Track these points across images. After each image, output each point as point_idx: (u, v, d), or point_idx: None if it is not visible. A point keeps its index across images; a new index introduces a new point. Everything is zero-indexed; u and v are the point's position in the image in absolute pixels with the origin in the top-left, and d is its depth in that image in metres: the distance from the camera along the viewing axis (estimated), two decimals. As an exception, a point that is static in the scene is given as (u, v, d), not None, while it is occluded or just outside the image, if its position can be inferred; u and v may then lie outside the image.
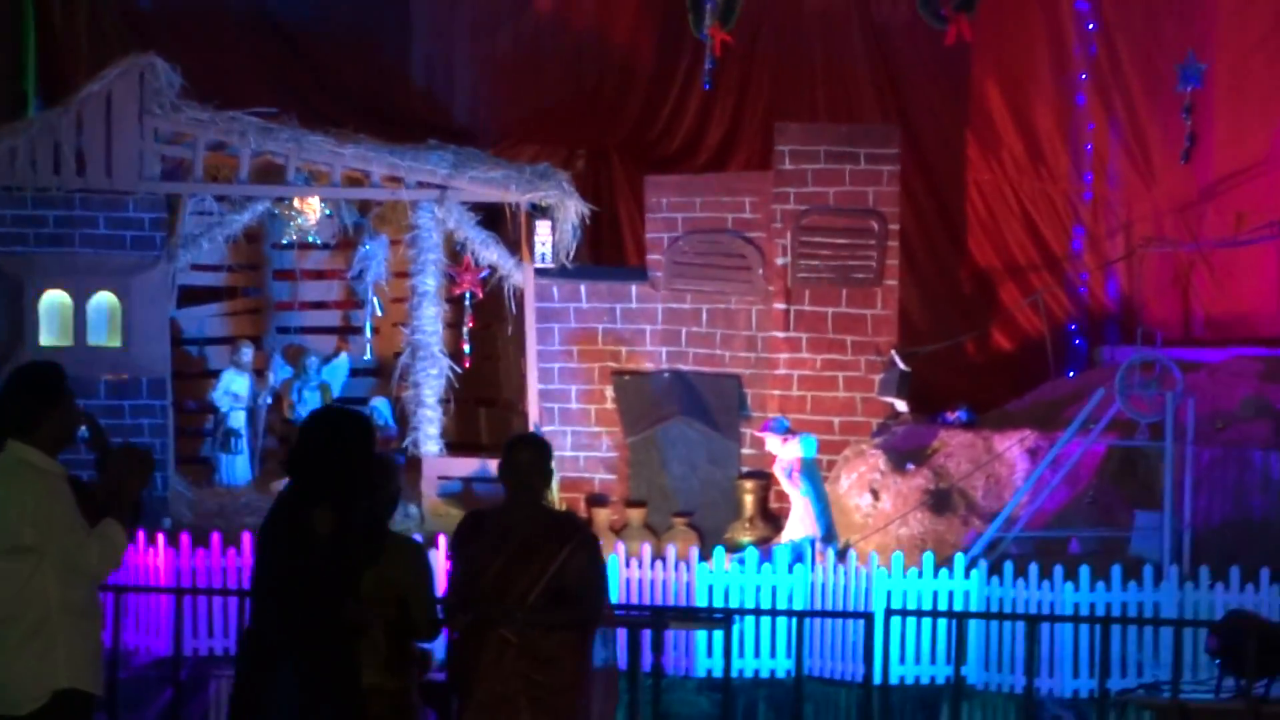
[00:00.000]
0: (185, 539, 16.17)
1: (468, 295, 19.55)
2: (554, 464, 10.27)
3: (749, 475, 18.13)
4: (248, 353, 19.59)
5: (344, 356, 20.21)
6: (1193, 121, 19.27)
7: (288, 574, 8.34)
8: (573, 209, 19.11)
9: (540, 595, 8.79)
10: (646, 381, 19.24)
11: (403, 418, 19.73)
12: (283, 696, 8.31)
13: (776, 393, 18.61)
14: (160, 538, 16.24)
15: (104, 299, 18.15)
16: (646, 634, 12.53)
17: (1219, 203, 20.58)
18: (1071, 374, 20.01)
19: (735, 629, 14.81)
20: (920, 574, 15.60)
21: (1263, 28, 20.41)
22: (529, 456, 8.96)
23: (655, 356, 19.14)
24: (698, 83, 20.23)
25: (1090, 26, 20.98)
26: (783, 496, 17.59)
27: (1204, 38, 20.28)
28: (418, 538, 12.32)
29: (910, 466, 17.72)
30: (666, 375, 19.10)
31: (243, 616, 14.11)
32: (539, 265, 19.33)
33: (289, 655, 8.39)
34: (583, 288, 19.41)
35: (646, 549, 16.22)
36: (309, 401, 19.72)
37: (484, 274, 19.55)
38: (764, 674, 15.57)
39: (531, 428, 18.40)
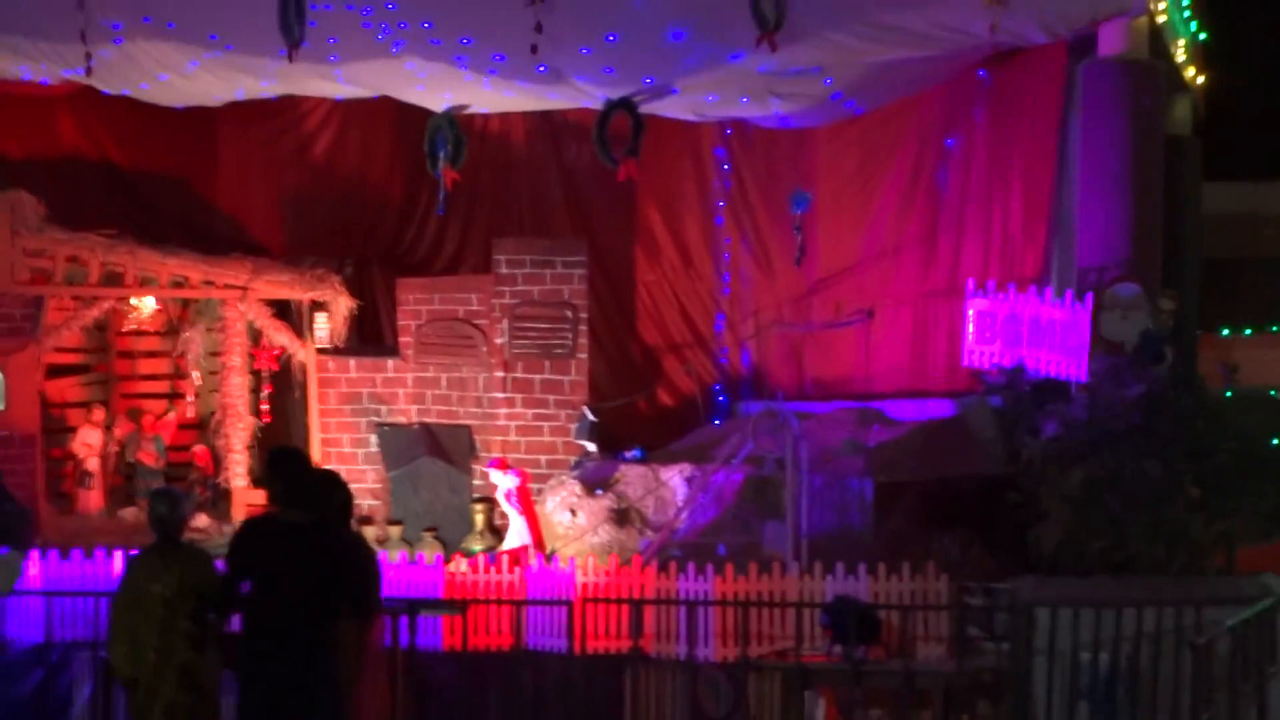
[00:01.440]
0: (53, 554, 17.16)
1: (266, 369, 21.26)
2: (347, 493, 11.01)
3: (479, 500, 19.63)
4: (99, 414, 21.12)
5: (172, 415, 21.60)
6: (802, 235, 21.23)
7: (293, 565, 10.04)
8: (343, 304, 20.93)
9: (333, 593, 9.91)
10: (401, 431, 20.66)
11: (218, 461, 20.88)
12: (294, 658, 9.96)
13: (499, 438, 20.21)
14: (34, 554, 17.11)
15: (-12, 373, 20.81)
16: (404, 620, 13.13)
17: (823, 295, 22.35)
18: (717, 422, 21.69)
19: (471, 614, 16.17)
20: (608, 571, 16.95)
21: (852, 165, 22.29)
22: (324, 488, 10.35)
23: (408, 413, 20.78)
24: (435, 209, 21.38)
25: (726, 167, 23.07)
26: (504, 516, 18.77)
27: (809, 173, 22.31)
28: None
29: (599, 492, 19.07)
30: (416, 426, 20.62)
31: (99, 613, 15.31)
32: (319, 346, 21.14)
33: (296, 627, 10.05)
34: (352, 362, 21.08)
35: (403, 555, 17.45)
36: (145, 449, 21.05)
37: (278, 353, 21.15)
38: (493, 647, 16.51)
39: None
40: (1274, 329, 28.33)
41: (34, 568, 17.07)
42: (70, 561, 17.15)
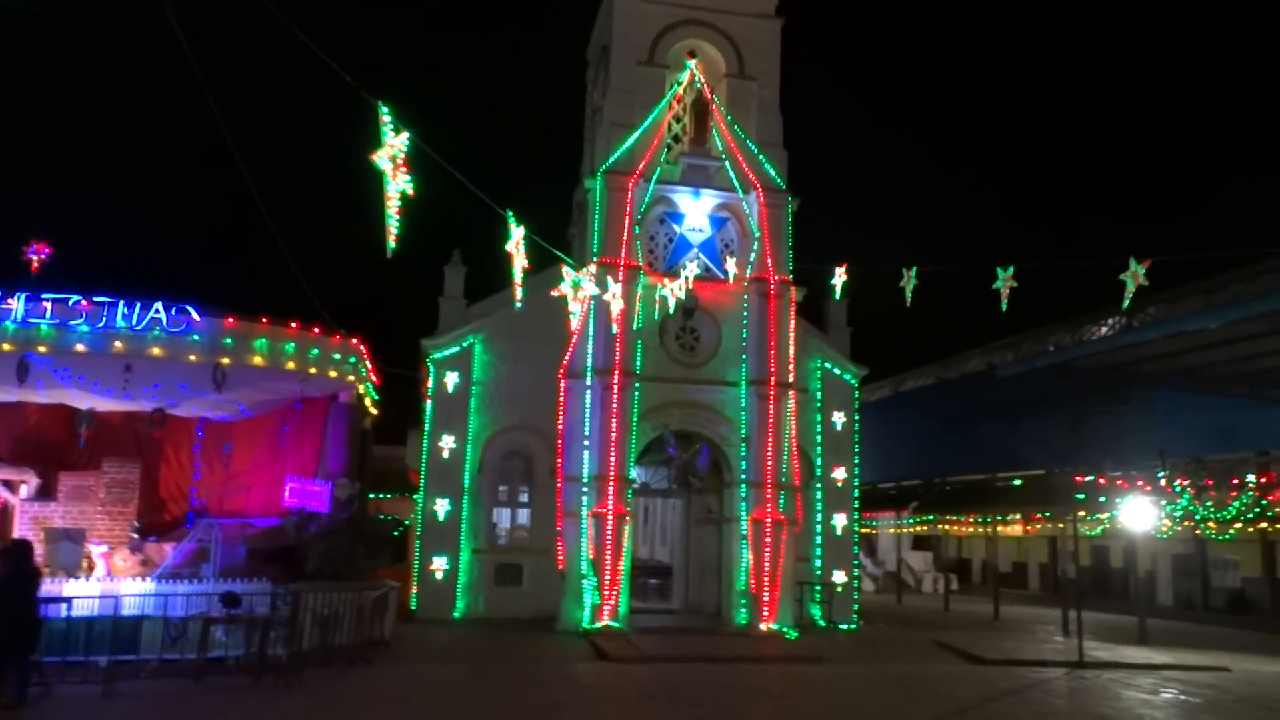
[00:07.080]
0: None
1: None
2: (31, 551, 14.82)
3: (85, 557, 23.98)
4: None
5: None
6: (228, 457, 28.07)
7: (23, 585, 15.35)
8: (34, 481, 26.65)
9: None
10: (57, 530, 25.43)
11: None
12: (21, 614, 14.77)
13: (99, 533, 25.76)
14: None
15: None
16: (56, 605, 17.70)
17: (235, 480, 28.49)
18: (189, 527, 26.17)
19: (76, 602, 18.70)
20: (148, 581, 20.00)
21: (247, 432, 28.09)
22: (23, 551, 14.92)
23: (58, 523, 25.87)
24: (79, 445, 26.13)
25: (200, 432, 28.86)
26: (94, 564, 23.38)
27: (232, 436, 28.34)
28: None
29: (138, 552, 24.54)
30: (62, 528, 25.41)
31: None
32: (21, 497, 26.26)
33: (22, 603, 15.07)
34: (36, 504, 26.32)
35: (56, 579, 20.65)
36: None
37: (4, 501, 26.29)
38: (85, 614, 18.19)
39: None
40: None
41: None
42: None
